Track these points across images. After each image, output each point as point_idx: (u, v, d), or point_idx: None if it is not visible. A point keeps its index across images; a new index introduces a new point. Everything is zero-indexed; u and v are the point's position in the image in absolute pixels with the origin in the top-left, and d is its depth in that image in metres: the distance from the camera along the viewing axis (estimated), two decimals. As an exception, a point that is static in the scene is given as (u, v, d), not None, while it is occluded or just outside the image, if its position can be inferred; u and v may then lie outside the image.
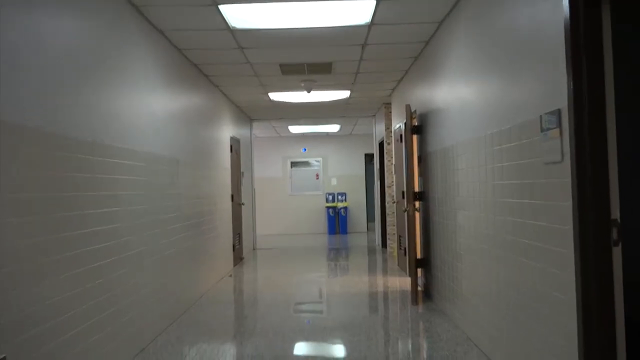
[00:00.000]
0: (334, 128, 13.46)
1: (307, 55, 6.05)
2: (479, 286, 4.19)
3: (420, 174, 6.25)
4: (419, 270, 6.43)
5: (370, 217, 14.73)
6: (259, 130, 13.34)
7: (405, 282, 7.03)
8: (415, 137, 6.37)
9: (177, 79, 5.87)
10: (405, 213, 7.30)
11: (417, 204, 6.24)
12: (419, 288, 6.35)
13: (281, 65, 6.49)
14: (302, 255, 10.27)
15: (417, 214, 6.28)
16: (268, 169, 13.68)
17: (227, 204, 8.43)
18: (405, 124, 7.06)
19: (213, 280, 7.19)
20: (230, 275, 7.93)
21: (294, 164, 15.12)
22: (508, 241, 3.54)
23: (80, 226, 3.38)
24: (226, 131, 8.59)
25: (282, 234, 14.27)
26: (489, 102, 3.87)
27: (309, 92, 7.93)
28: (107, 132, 3.79)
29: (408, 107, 5.79)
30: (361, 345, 4.32)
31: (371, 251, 10.69)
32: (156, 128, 5.06)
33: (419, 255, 6.32)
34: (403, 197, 7.61)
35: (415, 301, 5.74)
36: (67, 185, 3.21)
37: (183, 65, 6.05)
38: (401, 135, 7.62)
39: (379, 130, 10.62)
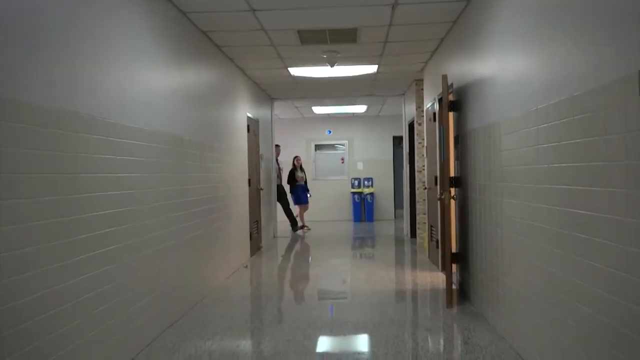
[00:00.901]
0: (360, 109, 12.67)
1: (328, 18, 5.28)
2: (531, 292, 3.43)
3: (457, 157, 5.46)
4: (454, 266, 5.67)
5: (398, 204, 13.93)
6: (281, 111, 12.64)
7: (437, 278, 6.28)
8: (451, 114, 5.56)
9: (183, 48, 5.19)
10: (439, 201, 6.53)
11: (452, 191, 5.46)
12: (454, 286, 5.60)
13: (299, 32, 5.74)
14: (324, 244, 9.59)
15: (453, 203, 5.51)
16: (291, 152, 12.96)
17: (244, 189, 7.78)
18: (440, 98, 6.25)
19: (226, 272, 6.57)
20: (246, 266, 7.30)
21: (318, 147, 14.39)
22: (572, 239, 2.77)
23: (76, 210, 2.93)
24: (242, 110, 7.91)
25: (305, 221, 13.58)
26: (551, 68, 3.07)
27: (332, 66, 7.17)
28: (90, 103, 3.14)
29: (445, 77, 4.98)
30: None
31: (399, 241, 9.94)
32: (158, 103, 4.42)
33: (454, 249, 5.56)
34: (436, 184, 6.83)
35: (449, 303, 4.99)
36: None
37: (190, 34, 5.36)
38: (434, 114, 6.82)
39: (409, 110, 9.80)
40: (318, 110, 12.72)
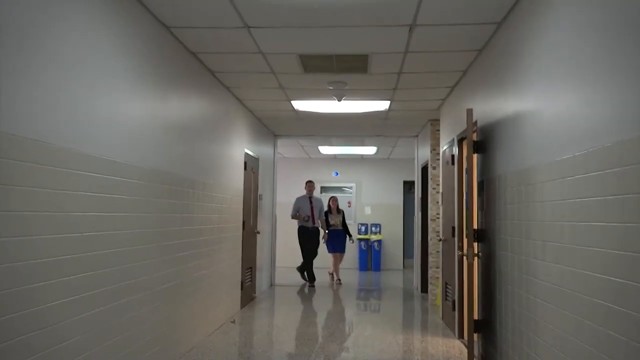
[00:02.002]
0: (369, 150, 11.94)
1: (335, 41, 4.59)
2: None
3: (481, 206, 4.65)
4: (475, 335, 4.76)
5: (407, 254, 13.01)
6: (286, 149, 11.96)
7: (453, 347, 5.35)
8: (475, 156, 4.78)
9: (171, 72, 4.51)
10: (461, 258, 5.67)
11: (475, 246, 4.62)
12: (475, 361, 4.68)
13: (302, 58, 5.04)
14: (326, 295, 8.68)
15: (476, 260, 4.66)
16: (294, 193, 12.18)
17: (236, 232, 6.97)
18: (462, 138, 5.49)
19: (209, 328, 5.68)
20: (233, 321, 6.41)
21: (324, 189, 13.61)
22: (629, 320, 1.93)
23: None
24: (239, 145, 7.18)
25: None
26: (613, 101, 2.31)
27: (339, 100, 6.47)
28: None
29: (470, 112, 4.22)
30: None
31: (408, 296, 8.99)
32: (140, 133, 3.73)
33: (476, 316, 4.67)
34: (453, 235, 5.98)
35: (472, 384, 4.08)
36: None
37: (178, 54, 4.69)
38: (453, 156, 6.04)
39: (422, 153, 9.04)
40: (325, 150, 12.02)
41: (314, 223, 9.75)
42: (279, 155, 12.09)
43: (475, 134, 4.85)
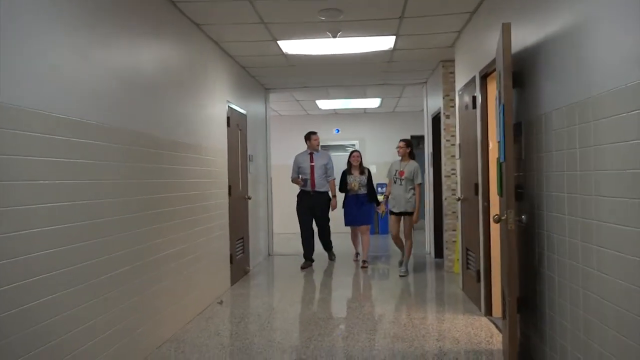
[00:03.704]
0: (373, 103, 10.85)
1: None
2: None
3: (517, 156, 3.63)
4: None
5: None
6: (281, 106, 10.88)
7: (481, 326, 4.44)
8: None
9: (122, 9, 3.51)
10: (486, 220, 4.69)
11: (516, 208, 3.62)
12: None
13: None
14: (329, 265, 7.77)
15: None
16: (292, 153, 11.19)
17: (221, 199, 6.01)
18: (489, 73, 4.43)
19: (191, 311, 4.80)
20: (220, 302, 5.52)
21: (324, 148, 12.53)
22: None
23: None
24: (220, 98, 6.14)
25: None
26: None
27: (334, 36, 5.38)
28: None
29: (508, 27, 3.12)
30: None
31: (420, 263, 8.08)
32: (84, 85, 3.02)
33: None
34: (476, 193, 5.00)
35: (514, 384, 3.15)
36: None
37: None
38: (474, 98, 4.99)
39: (433, 101, 7.97)
40: (323, 105, 10.94)
41: (313, 187, 7.53)
42: (274, 113, 11.03)
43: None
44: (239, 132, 6.97)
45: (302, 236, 7.63)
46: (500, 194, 3.55)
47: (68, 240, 2.89)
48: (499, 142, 3.73)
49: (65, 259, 2.86)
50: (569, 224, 2.83)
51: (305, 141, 7.73)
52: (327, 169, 7.65)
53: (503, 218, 3.14)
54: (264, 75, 7.82)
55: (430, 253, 8.42)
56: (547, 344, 3.19)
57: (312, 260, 7.60)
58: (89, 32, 3.19)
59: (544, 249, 3.21)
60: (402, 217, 6.77)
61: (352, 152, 7.72)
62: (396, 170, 6.83)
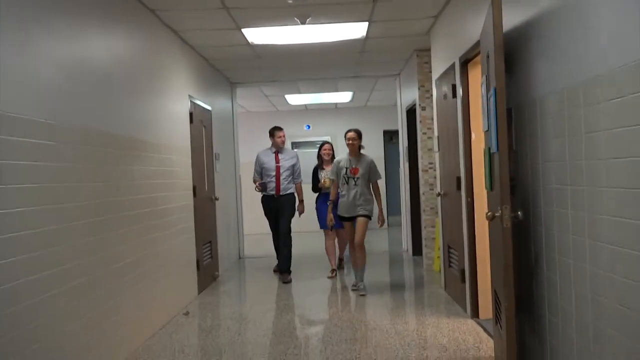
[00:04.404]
0: (344, 97, 10.51)
1: None
2: None
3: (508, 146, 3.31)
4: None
5: (392, 210, 11.78)
6: (249, 102, 10.44)
7: (468, 330, 4.14)
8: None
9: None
10: (470, 214, 4.38)
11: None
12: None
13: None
14: (301, 266, 7.37)
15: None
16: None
17: (186, 201, 5.57)
18: (472, 58, 4.11)
19: (153, 325, 4.36)
20: (186, 314, 5.08)
21: (295, 145, 12.19)
22: None
23: None
24: (182, 92, 5.70)
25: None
26: None
27: (303, 22, 5.00)
28: None
29: (498, 0, 2.77)
30: None
31: (397, 261, 7.78)
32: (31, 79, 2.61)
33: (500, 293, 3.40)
34: (458, 188, 4.69)
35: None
36: None
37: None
38: (453, 86, 4.68)
39: (407, 94, 7.67)
40: (293, 100, 10.54)
41: (278, 191, 6.44)
42: (242, 109, 10.58)
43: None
44: (204, 128, 6.53)
45: (273, 240, 6.84)
46: (490, 188, 3.23)
47: (7, 252, 2.46)
48: (486, 131, 3.42)
49: (5, 274, 2.42)
50: (572, 220, 2.52)
51: (270, 137, 6.73)
52: (295, 170, 6.65)
53: (497, 215, 2.81)
54: (230, 69, 7.38)
55: (407, 250, 8.12)
56: (548, 352, 2.88)
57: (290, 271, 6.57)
58: (29, 21, 2.75)
59: (542, 248, 2.91)
60: (354, 221, 5.56)
61: (322, 144, 6.81)
62: (346, 169, 5.57)
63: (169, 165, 5.02)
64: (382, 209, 5.75)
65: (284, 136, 6.73)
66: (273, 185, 6.50)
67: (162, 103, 4.98)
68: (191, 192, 5.78)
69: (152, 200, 4.52)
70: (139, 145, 4.28)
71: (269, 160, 6.60)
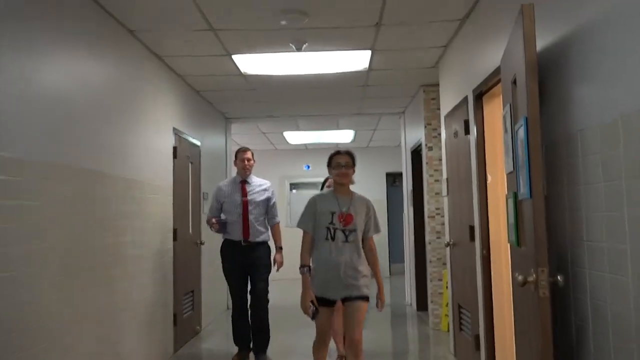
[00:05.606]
0: (346, 136, 10.02)
1: None
2: None
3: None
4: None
5: (394, 257, 11.12)
6: (245, 139, 9.93)
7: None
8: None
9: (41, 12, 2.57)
10: (487, 274, 3.73)
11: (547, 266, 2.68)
12: None
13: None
14: (294, 320, 6.63)
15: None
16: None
17: (164, 245, 4.96)
18: (487, 90, 3.56)
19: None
20: (156, 376, 4.38)
21: (293, 186, 11.65)
22: None
23: None
24: (165, 124, 5.17)
25: (274, 280, 10.62)
26: None
27: (299, 48, 4.50)
28: None
29: (529, 9, 2.22)
30: None
31: (399, 317, 7.07)
32: None
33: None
34: (472, 239, 4.07)
35: None
36: None
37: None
38: (466, 122, 4.14)
39: (412, 133, 7.15)
40: (292, 138, 10.05)
41: (246, 235, 4.65)
42: (238, 147, 10.07)
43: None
44: (190, 165, 5.98)
45: (232, 312, 4.88)
46: (517, 243, 2.62)
47: None
48: (509, 173, 2.84)
49: None
50: (634, 290, 1.90)
51: (234, 162, 5.01)
52: (270, 206, 4.82)
53: (531, 280, 2.19)
54: (223, 102, 6.89)
55: (411, 304, 7.42)
56: None
57: (249, 349, 4.83)
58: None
59: (588, 322, 2.27)
60: (344, 306, 3.42)
61: (326, 179, 4.84)
62: (332, 213, 3.42)
63: (143, 205, 4.44)
64: (381, 283, 3.49)
65: (252, 160, 4.86)
66: (239, 228, 4.64)
67: (139, 135, 4.44)
68: (171, 235, 5.17)
69: (121, 244, 3.92)
70: (109, 181, 3.71)
71: (232, 193, 4.76)
